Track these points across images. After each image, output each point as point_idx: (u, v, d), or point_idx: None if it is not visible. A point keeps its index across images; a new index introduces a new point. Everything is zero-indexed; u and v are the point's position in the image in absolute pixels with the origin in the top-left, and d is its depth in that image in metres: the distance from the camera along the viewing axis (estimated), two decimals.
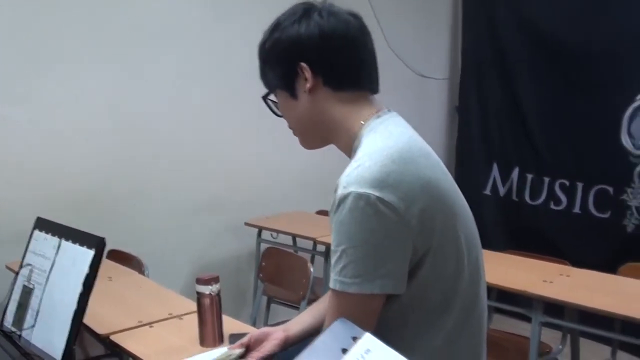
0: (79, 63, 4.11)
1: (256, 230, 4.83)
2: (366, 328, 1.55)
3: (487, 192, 5.84)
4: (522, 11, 5.52)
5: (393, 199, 1.47)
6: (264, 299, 4.59)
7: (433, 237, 1.54)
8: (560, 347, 3.61)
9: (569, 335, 3.63)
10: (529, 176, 5.54)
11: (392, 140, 1.59)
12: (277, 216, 4.92)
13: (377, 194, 1.46)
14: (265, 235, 4.83)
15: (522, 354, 3.36)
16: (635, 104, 4.83)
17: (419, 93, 6.08)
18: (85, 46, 4.12)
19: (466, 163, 6.04)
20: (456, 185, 1.72)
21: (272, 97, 1.82)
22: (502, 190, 5.76)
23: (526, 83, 5.54)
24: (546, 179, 5.41)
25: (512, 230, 5.68)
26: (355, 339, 1.12)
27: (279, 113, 1.82)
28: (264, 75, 1.78)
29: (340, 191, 1.50)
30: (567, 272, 3.48)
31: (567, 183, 5.28)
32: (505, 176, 5.74)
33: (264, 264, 4.13)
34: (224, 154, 4.83)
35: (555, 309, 3.26)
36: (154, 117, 4.48)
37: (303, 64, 1.65)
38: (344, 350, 1.09)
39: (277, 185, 5.15)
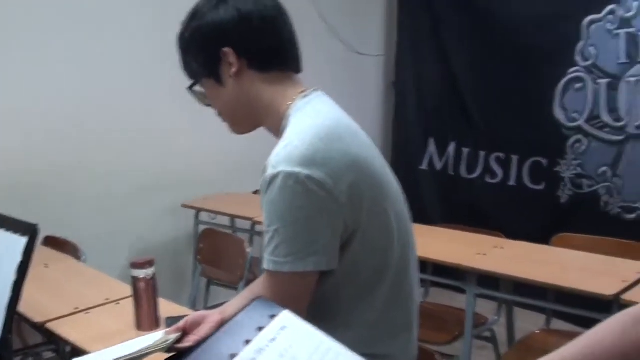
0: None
1: (194, 211, 4.80)
2: (301, 305, 1.57)
3: (424, 167, 5.88)
4: None
5: (322, 176, 1.48)
6: (204, 280, 4.57)
7: (362, 212, 1.56)
8: (496, 317, 3.67)
9: (504, 306, 3.68)
10: (465, 150, 5.60)
11: (319, 119, 1.59)
12: (215, 197, 4.88)
13: (306, 172, 1.47)
14: (204, 216, 4.80)
15: (459, 325, 3.42)
16: (567, 77, 4.91)
17: (355, 70, 6.07)
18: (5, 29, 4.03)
19: (403, 139, 6.06)
20: (384, 162, 1.73)
21: (197, 87, 1.79)
22: (438, 165, 5.81)
23: (461, 58, 5.59)
24: (482, 153, 5.48)
25: (449, 204, 5.75)
26: (273, 317, 1.12)
27: (206, 102, 1.80)
28: (187, 66, 1.76)
29: (270, 171, 1.50)
30: (501, 245, 3.53)
31: (503, 156, 5.35)
32: (441, 151, 5.78)
33: (201, 245, 4.11)
34: (159, 136, 4.76)
35: (491, 281, 3.31)
36: (86, 98, 4.38)
37: (226, 49, 1.64)
38: (260, 329, 1.09)
39: (214, 166, 5.10)
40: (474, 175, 5.54)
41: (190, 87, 1.79)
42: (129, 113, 4.61)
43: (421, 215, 5.22)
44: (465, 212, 5.37)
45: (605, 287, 2.80)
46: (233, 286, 3.96)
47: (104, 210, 4.55)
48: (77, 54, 4.32)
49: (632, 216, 4.68)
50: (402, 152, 6.03)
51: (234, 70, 1.65)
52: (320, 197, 1.48)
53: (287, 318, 1.13)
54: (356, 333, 1.65)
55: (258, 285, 1.70)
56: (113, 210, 4.60)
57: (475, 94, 5.52)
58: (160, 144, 4.78)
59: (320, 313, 1.66)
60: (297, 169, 1.47)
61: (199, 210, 4.77)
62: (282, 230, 1.49)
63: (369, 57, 6.16)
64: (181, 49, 1.75)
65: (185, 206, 4.74)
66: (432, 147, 5.83)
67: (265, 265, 1.54)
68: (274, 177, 1.49)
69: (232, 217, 4.82)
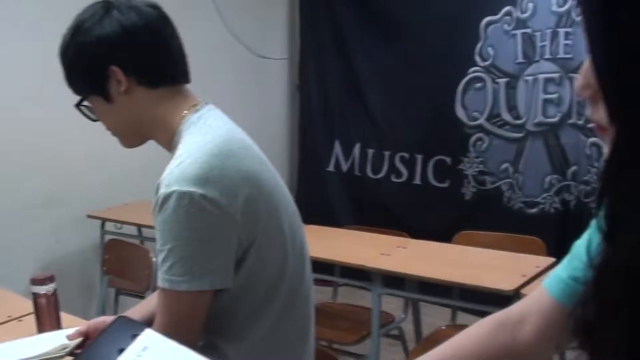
0: None
1: (99, 222, 4.72)
2: (196, 322, 1.57)
3: (331, 168, 5.91)
4: None
5: (216, 194, 1.48)
6: (112, 291, 4.49)
7: (257, 227, 1.57)
8: (403, 315, 3.73)
9: (410, 303, 3.75)
10: (370, 151, 5.66)
11: (211, 135, 1.59)
12: (121, 206, 4.80)
13: (200, 191, 1.47)
14: (110, 226, 4.72)
15: (367, 325, 3.46)
16: (467, 77, 5.02)
17: (259, 74, 6.04)
18: None
19: (309, 141, 6.08)
20: (276, 174, 1.74)
21: (85, 103, 1.75)
22: (345, 166, 5.84)
23: (364, 60, 5.63)
24: (386, 153, 5.54)
25: (357, 204, 5.79)
26: (134, 336, 1.10)
27: (94, 118, 1.76)
28: (73, 83, 1.70)
29: (163, 190, 1.50)
30: (404, 244, 3.59)
31: (407, 156, 5.42)
32: (347, 152, 5.82)
33: (107, 256, 4.05)
34: (59, 145, 4.63)
35: (397, 280, 3.36)
36: None
37: (114, 67, 1.60)
38: (121, 350, 1.07)
39: (119, 175, 5.00)
40: (380, 175, 5.60)
41: (77, 105, 1.74)
42: (28, 122, 4.49)
43: (329, 217, 5.32)
44: (373, 212, 5.44)
45: (505, 282, 2.87)
46: (141, 295, 3.92)
47: (6, 223, 4.41)
48: None
49: (534, 211, 4.82)
50: (309, 154, 6.05)
51: (122, 88, 1.62)
52: (215, 216, 1.48)
53: (149, 337, 1.11)
54: (250, 346, 1.67)
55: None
56: (13, 225, 4.46)
57: (378, 95, 5.58)
58: (62, 154, 4.67)
59: (216, 327, 1.66)
60: (191, 188, 1.46)
61: (104, 221, 4.69)
62: (177, 249, 1.49)
63: (273, 61, 6.15)
64: (65, 66, 1.69)
65: (90, 217, 4.66)
66: (337, 148, 5.86)
67: (160, 283, 1.53)
68: (167, 197, 1.48)
69: (139, 227, 4.75)
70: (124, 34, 1.59)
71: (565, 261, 1.12)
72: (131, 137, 1.76)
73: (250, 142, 1.70)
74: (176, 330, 1.53)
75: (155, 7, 1.67)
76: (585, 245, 0.91)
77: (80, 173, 4.77)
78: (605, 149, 0.72)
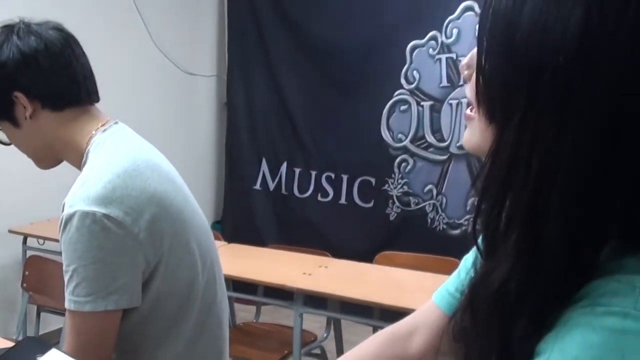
0: None
1: (21, 237, 4.63)
2: (106, 343, 1.57)
3: (258, 187, 5.90)
4: (284, 10, 5.62)
5: (119, 214, 1.48)
6: (34, 308, 4.40)
7: (163, 247, 1.57)
8: (325, 334, 3.75)
9: (332, 323, 3.77)
10: (297, 170, 5.68)
11: (116, 155, 1.59)
12: (43, 222, 4.72)
13: (102, 210, 1.46)
14: (32, 242, 4.63)
15: (289, 344, 3.47)
16: (393, 100, 5.10)
17: (187, 90, 6.01)
18: None
19: (236, 159, 6.07)
20: (187, 193, 1.74)
21: None
22: (271, 185, 5.85)
23: (291, 80, 5.66)
24: (313, 173, 5.58)
25: (283, 223, 5.80)
26: (38, 357, 1.10)
27: (7, 142, 1.76)
28: None
29: (67, 210, 1.49)
30: (326, 264, 3.62)
31: (333, 175, 5.47)
32: (274, 171, 5.82)
33: (27, 273, 3.97)
34: None
35: (319, 298, 3.39)
36: None
37: (17, 93, 1.59)
38: None
39: (42, 190, 4.92)
40: (306, 195, 5.63)
41: None
42: None
43: (255, 236, 5.34)
44: (298, 231, 5.47)
45: (424, 302, 2.90)
46: (63, 312, 3.85)
47: None
48: None
49: (457, 232, 4.91)
50: (235, 172, 6.04)
51: (28, 113, 1.60)
52: (119, 236, 1.48)
53: (52, 357, 1.11)
54: None
55: None
56: None
57: (305, 115, 5.61)
58: None
59: (127, 347, 1.66)
60: (93, 208, 1.46)
61: (26, 236, 4.60)
62: (81, 269, 1.48)
63: (201, 78, 6.13)
64: None
65: (11, 232, 4.57)
66: (264, 167, 5.87)
67: (67, 304, 1.52)
68: (70, 217, 1.47)
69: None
70: (23, 60, 1.57)
71: (454, 274, 1.18)
72: (44, 159, 1.75)
73: (159, 160, 1.69)
74: (85, 352, 1.52)
75: (59, 29, 1.65)
76: (472, 259, 0.96)
77: (1, 188, 4.68)
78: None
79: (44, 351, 1.09)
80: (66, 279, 1.51)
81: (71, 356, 1.57)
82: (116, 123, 1.71)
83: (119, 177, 1.52)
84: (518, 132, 0.71)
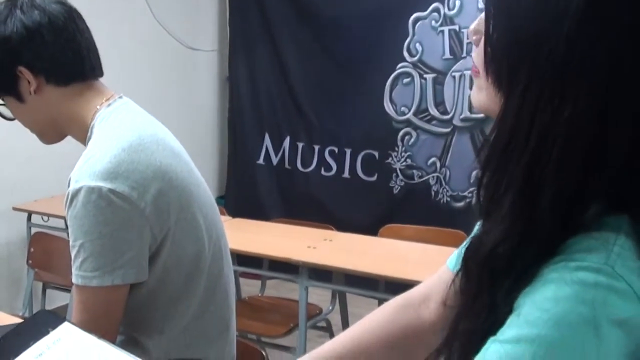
0: None
1: (25, 215, 4.65)
2: (113, 317, 1.58)
3: (261, 161, 5.90)
4: None
5: (125, 189, 1.48)
6: (39, 285, 4.43)
7: (169, 220, 1.57)
8: (330, 307, 3.77)
9: (337, 296, 3.79)
10: (300, 145, 5.68)
11: (121, 130, 1.59)
12: (47, 199, 4.74)
13: (108, 185, 1.46)
14: (36, 219, 4.65)
15: (295, 317, 3.48)
16: (396, 72, 5.08)
17: (188, 65, 5.99)
18: None
19: (239, 134, 6.07)
20: (192, 167, 1.74)
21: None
22: (275, 159, 5.85)
23: (294, 54, 5.64)
24: (316, 147, 5.58)
25: (287, 197, 5.81)
26: (51, 329, 1.10)
27: (11, 117, 1.75)
28: None
29: (73, 186, 1.49)
30: (331, 237, 3.63)
31: (336, 150, 5.47)
32: (277, 145, 5.82)
33: (32, 249, 3.97)
34: None
35: (324, 272, 3.40)
36: None
37: (21, 68, 1.59)
38: (33, 343, 1.07)
39: (46, 167, 4.94)
40: (310, 169, 5.64)
41: None
42: None
43: (259, 210, 5.34)
44: (302, 205, 5.47)
45: (429, 274, 2.91)
46: (68, 289, 3.87)
47: None
48: None
49: (461, 204, 4.91)
50: (238, 147, 6.04)
51: (32, 88, 1.60)
52: (125, 210, 1.48)
53: (65, 329, 1.10)
54: (171, 339, 1.67)
55: None
56: None
57: (307, 89, 5.60)
58: None
59: (135, 321, 1.67)
60: (99, 183, 1.46)
61: (30, 213, 4.62)
62: (88, 245, 1.48)
63: (203, 53, 6.11)
64: None
65: (16, 209, 4.59)
66: (267, 141, 5.87)
67: (74, 279, 1.52)
68: (76, 192, 1.48)
69: (65, 219, 4.68)
70: (27, 34, 1.57)
71: (468, 238, 1.18)
72: (48, 134, 1.75)
73: (164, 134, 1.69)
74: (92, 326, 1.53)
75: (62, 3, 1.65)
76: None
77: (5, 166, 4.70)
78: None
79: (56, 324, 1.09)
80: (73, 254, 1.52)
81: None
82: (120, 97, 1.71)
83: (124, 151, 1.52)
84: (520, 102, 0.73)
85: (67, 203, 1.51)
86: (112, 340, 1.61)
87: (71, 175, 1.52)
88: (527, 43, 0.72)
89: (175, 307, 1.67)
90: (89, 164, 1.50)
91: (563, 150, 0.69)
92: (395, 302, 1.24)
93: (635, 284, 0.67)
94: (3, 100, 1.71)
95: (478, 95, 0.86)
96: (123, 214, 1.48)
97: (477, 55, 0.84)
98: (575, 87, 0.68)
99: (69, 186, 1.51)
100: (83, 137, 1.67)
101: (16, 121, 1.75)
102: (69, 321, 1.15)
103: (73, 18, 1.64)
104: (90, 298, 1.53)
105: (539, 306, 0.68)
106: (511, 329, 0.71)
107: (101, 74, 1.73)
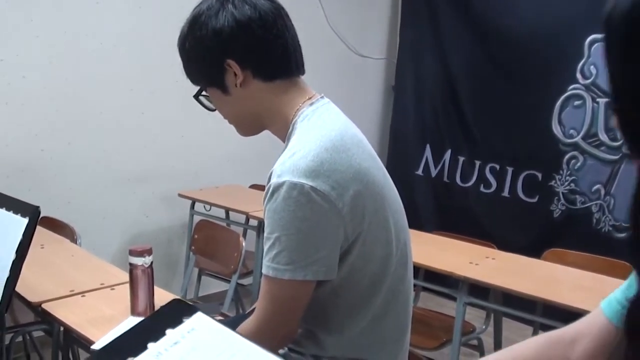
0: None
1: (189, 202, 4.83)
2: (297, 311, 1.61)
3: (420, 172, 5.90)
4: None
5: (326, 187, 1.51)
6: (196, 270, 4.58)
7: (363, 222, 1.59)
8: (484, 326, 3.71)
9: (492, 315, 3.73)
10: (461, 159, 5.62)
11: (325, 129, 1.61)
12: (211, 189, 4.91)
13: (310, 183, 1.50)
14: (199, 207, 4.82)
15: (447, 332, 3.46)
16: (567, 94, 4.95)
17: (356, 72, 6.09)
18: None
19: (400, 143, 6.07)
20: (385, 171, 1.76)
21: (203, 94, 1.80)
22: (434, 171, 5.82)
23: (462, 67, 5.60)
24: (477, 162, 5.50)
25: (443, 210, 5.77)
26: (184, 319, 1.11)
27: (212, 108, 1.81)
28: (190, 74, 1.76)
29: (275, 180, 1.53)
30: (493, 255, 3.56)
31: (498, 167, 5.38)
32: (437, 158, 5.79)
33: (196, 236, 4.10)
34: (160, 125, 4.78)
35: (480, 290, 3.35)
36: (88, 86, 4.41)
37: (230, 61, 1.64)
38: (167, 332, 1.08)
39: (212, 158, 5.12)
40: (469, 184, 5.57)
41: (196, 96, 1.79)
42: (134, 105, 4.64)
43: (414, 220, 5.26)
44: (458, 220, 5.41)
45: (592, 303, 2.81)
46: (226, 278, 3.97)
47: (102, 195, 4.57)
48: (76, 42, 4.35)
49: (623, 235, 4.73)
50: (398, 155, 6.05)
51: (239, 81, 1.65)
52: (323, 209, 1.51)
53: (198, 320, 1.12)
54: (348, 338, 1.69)
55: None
56: (110, 195, 4.61)
57: (473, 103, 5.54)
58: (161, 136, 4.80)
59: (317, 318, 1.69)
60: (302, 180, 1.50)
61: (194, 201, 4.79)
62: (284, 239, 1.52)
63: (371, 60, 6.19)
64: (183, 58, 1.74)
65: (181, 196, 4.77)
66: (428, 152, 5.85)
67: (265, 270, 1.56)
68: (278, 186, 1.51)
69: (227, 210, 4.84)
70: (238, 28, 1.61)
71: (624, 283, 1.14)
72: (247, 127, 1.80)
73: (362, 137, 1.72)
74: (276, 317, 1.57)
75: (271, 0, 1.69)
76: None
77: (175, 154, 4.91)
78: None
79: (190, 314, 1.11)
80: (267, 245, 1.56)
81: (261, 320, 1.62)
82: (322, 97, 1.74)
83: (327, 151, 1.55)
84: None
85: (268, 196, 1.54)
86: (292, 332, 1.65)
87: (273, 169, 1.56)
88: None
89: (357, 308, 1.68)
90: (292, 160, 1.54)
91: None
92: (549, 336, 1.24)
93: None
94: (206, 91, 1.77)
95: None
96: (321, 212, 1.51)
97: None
98: None
99: (269, 180, 1.55)
100: (283, 133, 1.71)
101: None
102: (221, 310, 1.16)
103: (281, 15, 1.69)
104: (280, 290, 1.57)
105: None
106: None
107: (304, 72, 1.76)
